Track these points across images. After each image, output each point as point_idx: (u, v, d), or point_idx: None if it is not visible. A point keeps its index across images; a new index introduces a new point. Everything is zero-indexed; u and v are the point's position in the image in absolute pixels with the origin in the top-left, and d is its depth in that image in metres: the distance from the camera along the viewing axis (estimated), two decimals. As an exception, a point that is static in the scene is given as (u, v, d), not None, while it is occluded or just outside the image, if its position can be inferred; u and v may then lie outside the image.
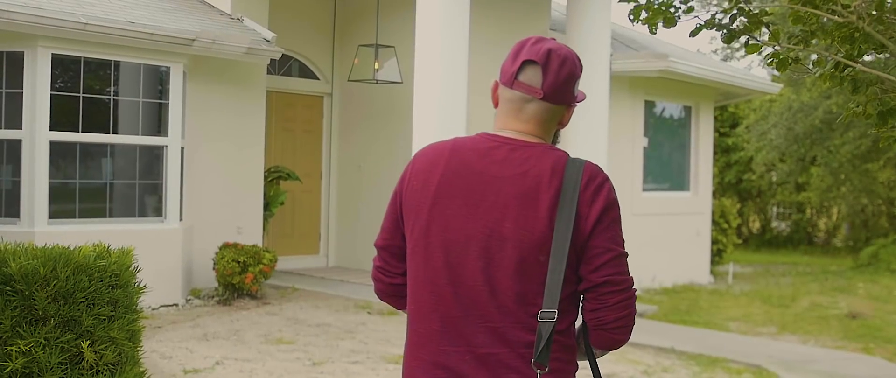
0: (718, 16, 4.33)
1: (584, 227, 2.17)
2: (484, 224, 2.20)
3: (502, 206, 2.19)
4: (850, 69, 3.83)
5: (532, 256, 2.17)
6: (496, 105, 2.35)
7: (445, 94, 8.70)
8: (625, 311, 2.20)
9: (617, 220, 2.24)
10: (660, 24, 4.16)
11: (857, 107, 3.94)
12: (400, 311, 2.49)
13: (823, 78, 3.90)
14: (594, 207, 2.18)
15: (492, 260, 2.19)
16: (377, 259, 2.45)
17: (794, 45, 3.94)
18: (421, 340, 2.29)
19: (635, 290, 2.24)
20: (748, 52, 4.04)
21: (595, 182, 2.20)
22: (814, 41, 4.04)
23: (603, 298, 2.19)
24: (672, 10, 4.06)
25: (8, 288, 3.30)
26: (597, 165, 2.23)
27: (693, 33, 4.23)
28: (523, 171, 2.20)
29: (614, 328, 2.21)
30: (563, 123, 2.35)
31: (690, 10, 4.13)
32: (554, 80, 2.25)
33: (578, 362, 2.32)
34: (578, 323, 2.30)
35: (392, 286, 2.43)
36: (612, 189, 2.24)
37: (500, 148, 2.25)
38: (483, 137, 2.29)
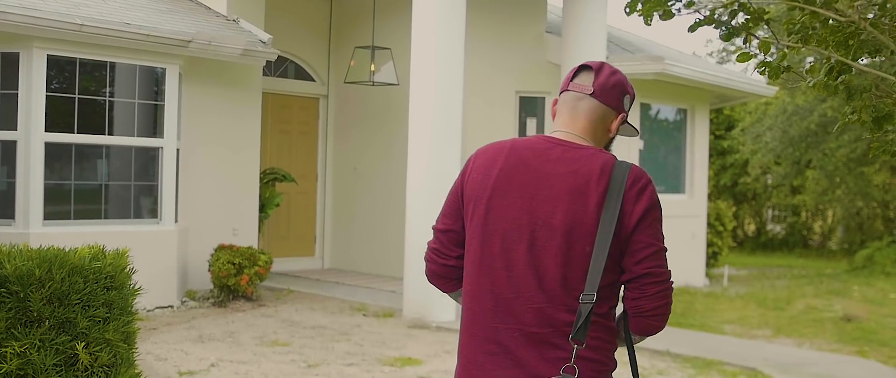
0: (718, 12, 4.32)
1: (628, 222, 2.41)
2: (537, 215, 2.44)
3: (554, 200, 2.43)
4: (844, 76, 3.83)
5: (578, 246, 2.40)
6: (554, 118, 2.66)
7: (441, 96, 8.71)
8: (663, 300, 2.45)
9: (659, 219, 2.47)
10: (656, 17, 4.14)
11: (852, 113, 3.94)
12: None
13: (817, 86, 3.90)
14: (638, 206, 2.42)
15: (542, 248, 2.42)
16: (434, 242, 2.68)
17: (787, 48, 3.94)
18: (475, 318, 2.53)
19: (672, 282, 2.48)
20: (739, 61, 4.04)
21: (639, 183, 2.44)
22: (808, 56, 4.04)
23: (643, 288, 2.43)
24: (670, 2, 4.05)
25: (3, 289, 3.30)
26: (642, 169, 2.48)
27: (692, 28, 4.22)
28: (575, 170, 2.45)
29: (653, 316, 2.46)
30: (611, 131, 2.61)
31: (691, 3, 4.12)
32: (604, 82, 2.55)
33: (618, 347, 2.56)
34: (619, 311, 2.54)
35: (445, 267, 2.66)
36: (654, 191, 2.47)
37: (554, 148, 2.51)
38: (540, 138, 2.57)
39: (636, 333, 2.54)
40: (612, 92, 2.57)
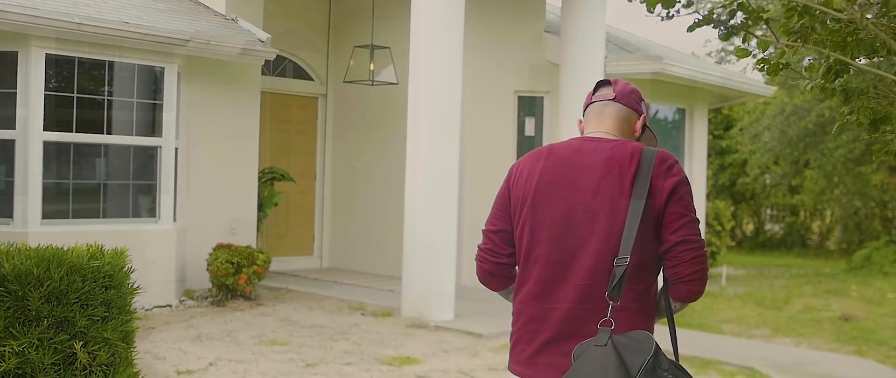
0: (717, 11, 4.32)
1: (660, 197, 2.69)
2: (578, 201, 2.74)
3: (593, 186, 2.73)
4: (841, 79, 3.84)
5: (617, 225, 2.68)
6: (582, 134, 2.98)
7: (440, 95, 8.71)
8: (699, 265, 2.69)
9: (689, 193, 2.75)
10: (655, 14, 4.15)
11: (850, 114, 3.95)
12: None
13: (814, 88, 3.90)
14: (668, 181, 2.70)
15: (585, 231, 2.72)
16: (485, 243, 2.95)
17: (785, 46, 3.95)
18: (525, 298, 2.84)
19: (706, 250, 2.72)
20: (738, 57, 4.05)
21: (667, 162, 2.73)
22: (806, 56, 4.04)
23: (681, 255, 2.68)
24: None
25: (1, 289, 3.30)
26: (668, 151, 2.76)
27: (691, 29, 4.23)
28: (607, 157, 2.75)
29: (691, 280, 2.69)
30: (636, 131, 2.92)
31: (690, 3, 4.12)
32: (622, 89, 2.93)
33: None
34: (660, 288, 2.80)
35: (498, 265, 2.93)
36: (681, 169, 2.75)
37: (588, 143, 2.83)
38: (574, 139, 2.89)
39: (677, 300, 2.76)
40: (631, 97, 2.92)
